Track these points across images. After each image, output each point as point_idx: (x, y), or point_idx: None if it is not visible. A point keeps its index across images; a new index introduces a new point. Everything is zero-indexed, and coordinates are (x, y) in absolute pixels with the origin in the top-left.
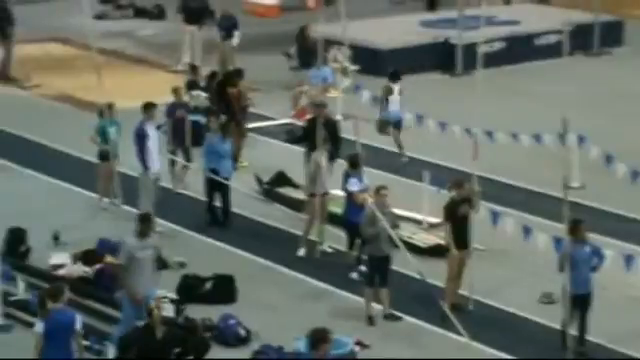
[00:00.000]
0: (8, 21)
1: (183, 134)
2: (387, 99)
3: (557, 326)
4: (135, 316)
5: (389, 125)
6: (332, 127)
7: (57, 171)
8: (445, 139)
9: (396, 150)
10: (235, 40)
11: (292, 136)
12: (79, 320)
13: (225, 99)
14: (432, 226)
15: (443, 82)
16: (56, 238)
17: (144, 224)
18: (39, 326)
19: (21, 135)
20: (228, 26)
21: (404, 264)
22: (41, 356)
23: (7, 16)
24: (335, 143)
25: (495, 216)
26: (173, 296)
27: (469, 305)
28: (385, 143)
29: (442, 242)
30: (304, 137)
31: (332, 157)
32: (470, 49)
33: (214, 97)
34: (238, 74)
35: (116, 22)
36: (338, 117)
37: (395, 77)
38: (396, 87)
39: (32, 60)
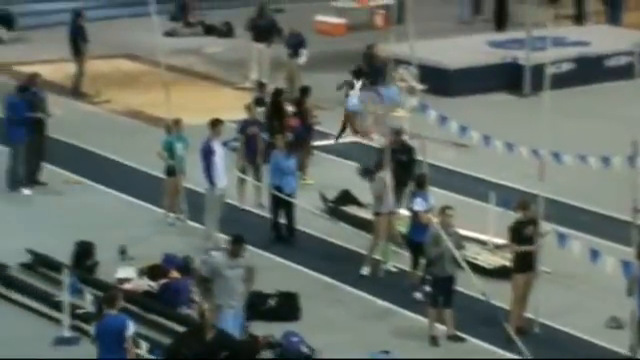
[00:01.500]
0: (82, 38)
1: (255, 151)
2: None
3: (624, 351)
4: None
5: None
6: (409, 153)
7: (125, 186)
8: (512, 160)
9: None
10: (302, 58)
11: (365, 171)
12: (131, 327)
13: (279, 116)
14: (497, 247)
15: (510, 103)
16: (123, 252)
17: (236, 245)
18: (93, 330)
19: (90, 149)
20: (295, 44)
21: (468, 285)
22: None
23: (81, 33)
24: (410, 169)
25: (562, 238)
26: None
27: (534, 328)
28: (452, 163)
29: (507, 263)
30: (378, 165)
31: (405, 183)
32: (538, 70)
33: (270, 113)
34: (304, 92)
35: (185, 39)
36: (405, 137)
37: (358, 74)
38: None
39: (103, 76)
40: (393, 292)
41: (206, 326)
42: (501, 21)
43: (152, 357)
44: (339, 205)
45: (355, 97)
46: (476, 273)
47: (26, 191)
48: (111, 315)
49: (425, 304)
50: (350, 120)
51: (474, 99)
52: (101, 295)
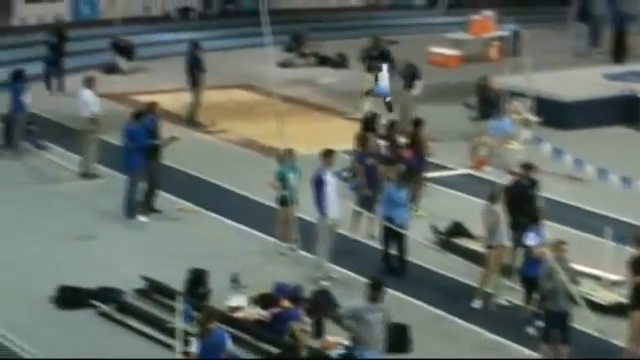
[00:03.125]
0: (199, 68)
1: (372, 182)
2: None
3: None
4: None
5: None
6: (534, 187)
7: (238, 215)
8: (628, 194)
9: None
10: (417, 90)
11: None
12: (229, 341)
13: (393, 147)
14: (614, 283)
15: (627, 136)
16: (235, 280)
17: (375, 290)
18: (195, 345)
19: (204, 178)
20: (410, 75)
21: (583, 321)
22: None
23: (198, 64)
24: (533, 203)
25: None
26: (345, 342)
27: None
28: (566, 197)
29: (623, 300)
30: (510, 201)
31: (533, 218)
32: None
33: (390, 145)
34: (418, 123)
35: (299, 70)
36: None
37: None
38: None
39: (218, 106)
40: (505, 326)
41: (299, 346)
42: (619, 53)
43: None
44: (451, 237)
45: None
46: (591, 309)
47: (142, 218)
48: (211, 330)
49: (538, 339)
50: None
51: (590, 132)
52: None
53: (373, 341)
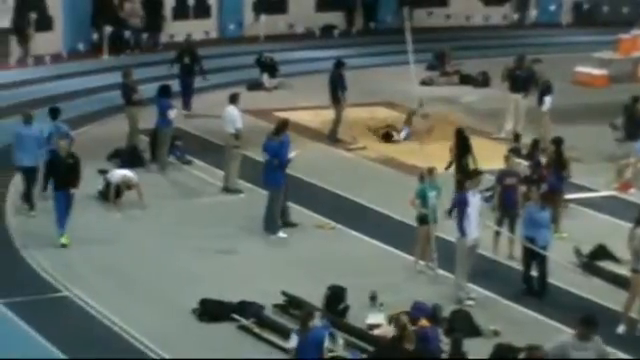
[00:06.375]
0: (341, 86)
1: (511, 202)
2: None
3: None
4: None
5: None
6: None
7: (377, 232)
8: None
9: None
10: (546, 105)
11: None
12: (327, 339)
13: (536, 166)
14: None
15: None
16: (373, 298)
17: (587, 328)
18: (294, 340)
19: (344, 195)
20: (542, 91)
21: None
22: None
23: (341, 81)
24: None
25: None
26: None
27: None
28: None
29: None
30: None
31: None
32: None
33: (533, 165)
34: (558, 143)
35: (441, 88)
36: None
37: None
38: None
39: (359, 123)
40: None
41: (406, 336)
42: None
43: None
44: (594, 260)
45: None
46: None
47: (282, 234)
48: (311, 328)
49: None
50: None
51: None
52: (356, 344)
53: None
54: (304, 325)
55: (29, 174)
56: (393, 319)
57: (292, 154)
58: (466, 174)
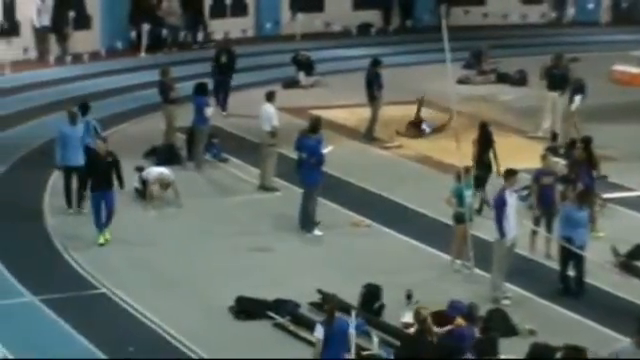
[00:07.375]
0: (378, 85)
1: (549, 201)
2: None
3: None
4: None
5: None
6: None
7: (412, 231)
8: None
9: None
10: (575, 104)
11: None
12: (352, 326)
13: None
14: None
15: None
16: (409, 297)
17: None
18: (320, 331)
19: (381, 194)
20: (573, 90)
21: None
22: (321, 357)
23: (377, 80)
24: None
25: None
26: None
27: None
28: None
29: None
30: None
31: None
32: None
33: (570, 164)
34: (587, 142)
35: (478, 87)
36: None
37: None
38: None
39: (395, 121)
40: None
41: (427, 329)
42: None
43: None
44: (632, 260)
45: None
46: None
47: (317, 232)
48: (336, 319)
49: None
50: None
51: None
52: (391, 343)
53: None
54: (330, 316)
55: (74, 173)
56: (414, 313)
57: (326, 150)
58: (485, 170)
